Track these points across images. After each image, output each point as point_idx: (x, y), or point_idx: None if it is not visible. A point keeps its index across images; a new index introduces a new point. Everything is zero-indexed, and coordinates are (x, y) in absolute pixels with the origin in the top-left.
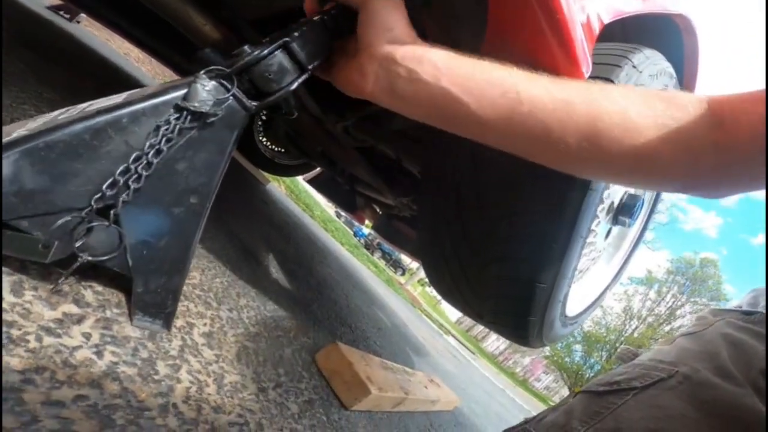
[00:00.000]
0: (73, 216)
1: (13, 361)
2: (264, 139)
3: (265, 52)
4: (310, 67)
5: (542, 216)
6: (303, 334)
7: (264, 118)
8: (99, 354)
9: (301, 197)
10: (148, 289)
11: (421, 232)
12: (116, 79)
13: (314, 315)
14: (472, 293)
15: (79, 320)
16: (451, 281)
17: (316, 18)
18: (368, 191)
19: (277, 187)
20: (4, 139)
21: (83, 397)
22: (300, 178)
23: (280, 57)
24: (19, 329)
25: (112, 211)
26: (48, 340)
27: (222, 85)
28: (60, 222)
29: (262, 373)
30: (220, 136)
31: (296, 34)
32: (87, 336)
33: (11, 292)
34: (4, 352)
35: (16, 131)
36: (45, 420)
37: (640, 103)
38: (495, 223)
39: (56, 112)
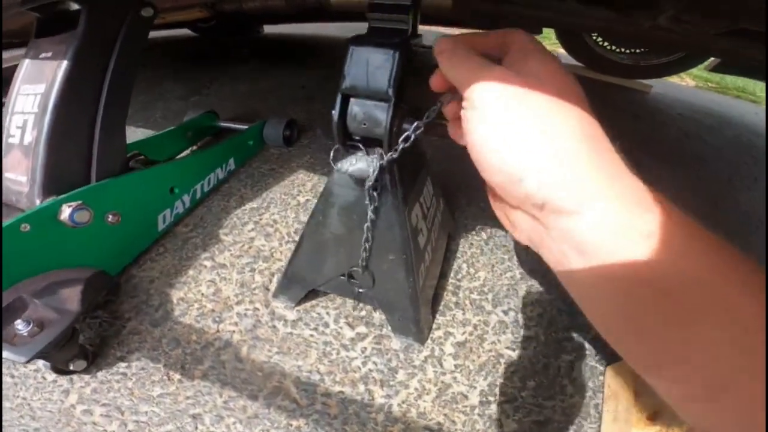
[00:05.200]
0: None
1: (322, 367)
2: (616, 49)
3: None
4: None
5: None
6: None
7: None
8: (365, 363)
9: (726, 83)
10: (393, 317)
11: None
12: None
13: None
14: None
15: (363, 338)
16: None
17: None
18: None
19: (679, 83)
20: None
21: (341, 392)
22: None
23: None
24: (329, 345)
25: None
26: (342, 353)
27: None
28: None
29: (500, 385)
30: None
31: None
32: (363, 349)
33: (333, 320)
34: (319, 363)
35: None
36: (317, 404)
37: None
38: None
39: None
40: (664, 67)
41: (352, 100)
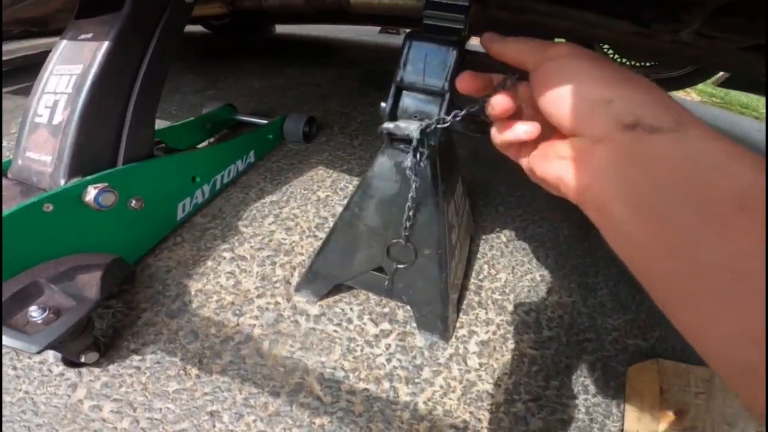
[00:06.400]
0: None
1: (346, 363)
2: (626, 61)
3: None
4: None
5: None
6: (636, 335)
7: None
8: (389, 360)
9: (730, 99)
10: (420, 313)
11: None
12: None
13: None
14: None
15: (387, 334)
16: None
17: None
18: None
19: (685, 98)
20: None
21: (366, 390)
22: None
23: None
24: (354, 342)
25: (405, 234)
26: (366, 349)
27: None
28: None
29: (525, 384)
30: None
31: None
32: (387, 346)
33: (357, 316)
34: (343, 359)
35: None
36: (341, 402)
37: None
38: None
39: None
40: (673, 82)
41: (404, 92)
